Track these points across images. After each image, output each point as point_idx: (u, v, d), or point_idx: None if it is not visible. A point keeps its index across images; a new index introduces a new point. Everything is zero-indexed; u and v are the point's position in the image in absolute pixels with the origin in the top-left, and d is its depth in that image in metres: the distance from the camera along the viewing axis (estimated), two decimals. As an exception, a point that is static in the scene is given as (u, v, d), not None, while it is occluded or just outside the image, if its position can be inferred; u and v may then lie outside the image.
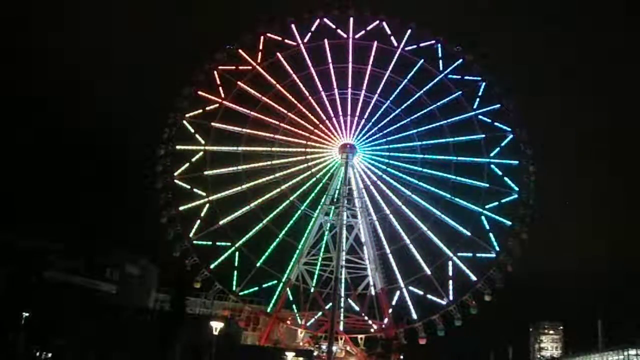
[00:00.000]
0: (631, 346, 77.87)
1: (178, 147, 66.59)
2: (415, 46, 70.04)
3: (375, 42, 70.12)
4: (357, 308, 65.00)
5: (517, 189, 64.24)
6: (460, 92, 68.11)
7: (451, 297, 62.25)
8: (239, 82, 68.61)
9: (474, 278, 62.26)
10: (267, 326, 65.04)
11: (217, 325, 37.53)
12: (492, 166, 65.11)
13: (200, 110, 67.79)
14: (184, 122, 67.24)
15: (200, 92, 68.12)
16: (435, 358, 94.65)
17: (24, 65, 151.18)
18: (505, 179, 64.87)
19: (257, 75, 69.46)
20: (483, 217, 63.56)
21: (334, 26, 70.69)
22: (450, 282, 62.95)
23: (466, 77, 68.97)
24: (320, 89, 68.79)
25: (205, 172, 66.10)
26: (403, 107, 68.29)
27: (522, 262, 64.38)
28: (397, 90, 68.67)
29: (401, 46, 69.73)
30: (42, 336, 46.69)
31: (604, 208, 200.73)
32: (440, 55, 69.82)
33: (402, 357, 66.72)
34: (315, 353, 63.45)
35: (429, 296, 62.82)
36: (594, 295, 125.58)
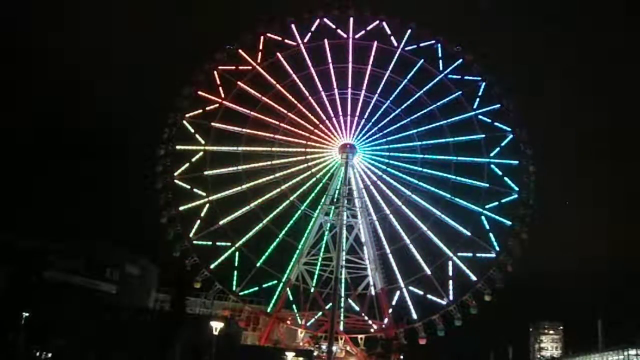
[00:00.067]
0: (631, 346, 78.02)
1: (178, 147, 66.61)
2: (415, 46, 70.07)
3: (375, 42, 70.15)
4: (357, 308, 65.07)
5: (517, 189, 64.33)
6: (460, 92, 68.14)
7: (451, 297, 62.31)
8: (239, 82, 68.65)
9: (474, 278, 62.35)
10: (267, 326, 65.06)
11: (217, 325, 37.42)
12: (492, 166, 65.13)
13: (200, 110, 67.80)
14: (184, 122, 67.26)
15: (200, 92, 68.14)
16: (435, 358, 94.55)
17: (24, 65, 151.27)
18: (505, 179, 64.94)
19: (257, 75, 69.53)
20: (483, 217, 63.67)
21: (334, 26, 70.74)
22: (450, 282, 63.05)
23: (466, 77, 69.00)
24: (320, 89, 68.86)
25: (205, 172, 66.11)
26: (403, 107, 68.41)
27: (522, 262, 64.56)
28: (397, 90, 68.80)
29: (401, 46, 69.74)
30: (42, 336, 46.68)
31: (604, 208, 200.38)
32: (440, 55, 69.90)
33: (402, 357, 66.53)
34: (315, 353, 63.44)
35: (429, 296, 62.90)
36: (594, 295, 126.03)
